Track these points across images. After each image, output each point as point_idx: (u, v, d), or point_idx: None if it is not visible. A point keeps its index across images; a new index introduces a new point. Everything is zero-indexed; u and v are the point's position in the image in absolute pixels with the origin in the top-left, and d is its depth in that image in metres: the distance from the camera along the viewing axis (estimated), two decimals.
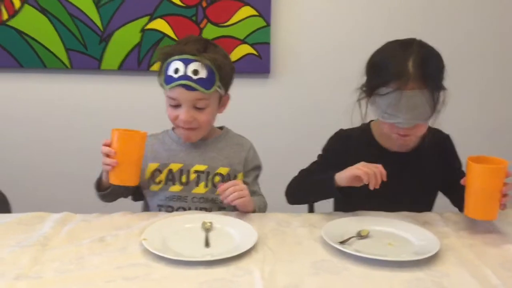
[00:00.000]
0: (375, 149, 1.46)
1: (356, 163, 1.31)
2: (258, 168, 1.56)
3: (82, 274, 1.00)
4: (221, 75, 1.40)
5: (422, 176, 1.45)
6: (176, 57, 1.38)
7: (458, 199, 1.30)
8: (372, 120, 1.50)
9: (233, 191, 1.31)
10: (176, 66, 1.37)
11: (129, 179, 1.32)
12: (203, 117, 1.42)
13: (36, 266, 1.03)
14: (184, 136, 1.46)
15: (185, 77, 1.36)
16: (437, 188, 1.53)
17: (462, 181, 1.24)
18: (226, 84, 1.46)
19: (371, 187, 1.25)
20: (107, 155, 1.29)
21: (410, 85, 1.25)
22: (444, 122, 1.51)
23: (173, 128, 1.53)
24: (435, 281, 0.99)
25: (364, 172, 1.25)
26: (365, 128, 1.49)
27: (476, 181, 1.20)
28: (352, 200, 1.35)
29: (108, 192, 1.41)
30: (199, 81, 1.37)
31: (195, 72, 1.36)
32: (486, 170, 1.19)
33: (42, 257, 1.07)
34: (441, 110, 1.32)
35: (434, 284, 0.99)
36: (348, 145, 1.48)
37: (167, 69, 1.39)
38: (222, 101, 1.48)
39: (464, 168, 1.27)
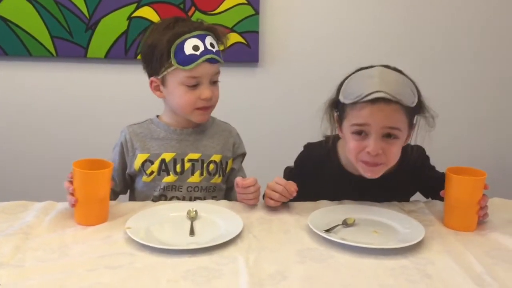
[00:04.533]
0: (340, 173, 1.38)
1: (320, 182, 1.36)
2: (244, 154, 1.56)
3: (65, 263, 0.99)
4: (224, 46, 1.43)
5: (392, 197, 1.38)
6: (187, 35, 1.34)
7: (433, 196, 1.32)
8: (339, 139, 1.40)
9: (255, 195, 1.29)
10: (193, 44, 1.34)
11: (93, 219, 1.18)
12: (217, 92, 1.43)
13: (18, 255, 1.01)
14: (200, 117, 1.42)
15: (206, 51, 1.35)
16: (410, 196, 1.46)
17: (441, 193, 1.25)
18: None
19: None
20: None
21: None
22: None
23: (157, 116, 1.50)
24: (420, 269, 1.00)
25: (271, 200, 1.27)
26: (331, 149, 1.39)
27: (453, 192, 1.21)
28: None
29: None
30: (217, 53, 1.38)
31: (212, 45, 1.37)
32: (463, 181, 1.19)
33: (25, 245, 1.05)
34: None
35: (418, 271, 0.99)
36: (312, 166, 1.41)
37: (181, 49, 1.33)
38: None
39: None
